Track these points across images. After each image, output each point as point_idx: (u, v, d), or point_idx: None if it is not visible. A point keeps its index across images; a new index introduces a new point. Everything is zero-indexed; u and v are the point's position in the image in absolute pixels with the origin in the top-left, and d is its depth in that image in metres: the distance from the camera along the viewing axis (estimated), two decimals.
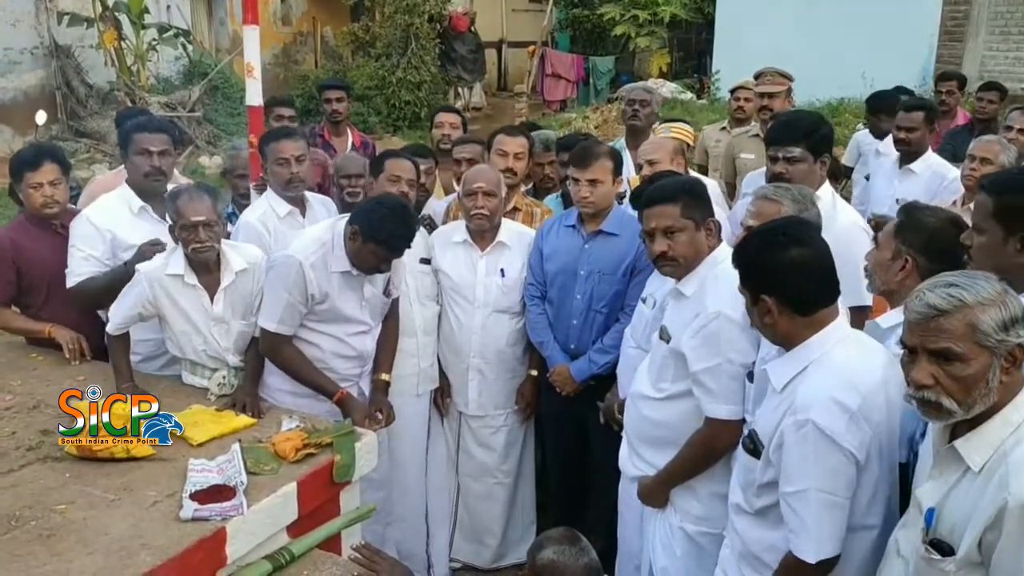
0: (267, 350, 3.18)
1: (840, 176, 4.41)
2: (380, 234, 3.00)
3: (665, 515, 2.87)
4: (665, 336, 2.77)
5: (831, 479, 2.05)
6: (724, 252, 2.62)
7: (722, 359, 2.58)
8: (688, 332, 2.65)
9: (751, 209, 2.78)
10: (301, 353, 3.20)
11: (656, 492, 2.86)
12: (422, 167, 3.91)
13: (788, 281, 2.14)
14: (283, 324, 3.13)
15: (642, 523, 3.03)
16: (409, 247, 3.11)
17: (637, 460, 2.94)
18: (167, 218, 3.13)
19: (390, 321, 3.46)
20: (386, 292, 3.34)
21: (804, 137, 3.12)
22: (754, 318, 2.25)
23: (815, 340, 2.16)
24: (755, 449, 2.24)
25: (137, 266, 3.15)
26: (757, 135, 4.93)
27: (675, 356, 2.72)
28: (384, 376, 3.41)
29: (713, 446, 2.69)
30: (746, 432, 2.33)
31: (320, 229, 3.27)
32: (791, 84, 5.11)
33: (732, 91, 5.84)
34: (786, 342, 2.21)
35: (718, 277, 2.63)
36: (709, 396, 2.63)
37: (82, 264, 3.41)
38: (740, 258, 2.24)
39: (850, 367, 2.12)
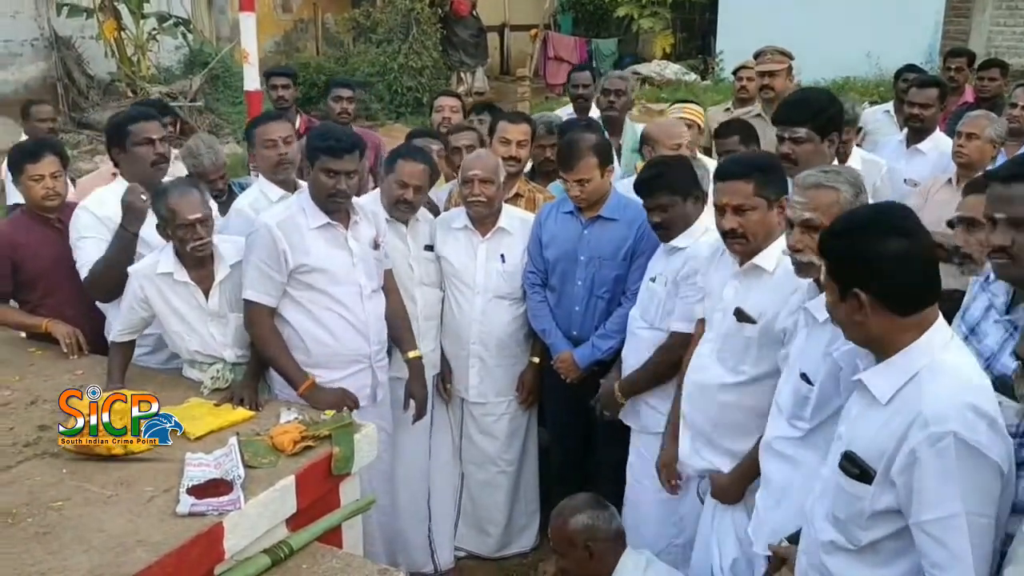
0: (248, 323, 3.12)
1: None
2: (317, 143, 3.05)
3: (736, 508, 2.79)
4: (746, 318, 2.66)
5: (981, 498, 1.78)
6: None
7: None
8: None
9: (801, 200, 2.38)
10: (278, 333, 3.13)
11: (736, 487, 2.76)
12: (435, 148, 3.98)
13: (891, 276, 1.85)
14: (256, 291, 3.07)
15: (703, 516, 2.97)
16: (349, 148, 3.07)
17: (708, 452, 2.82)
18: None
19: (392, 296, 3.42)
20: (374, 245, 3.28)
21: (810, 117, 3.06)
22: (838, 314, 1.96)
23: (921, 343, 1.88)
24: (863, 473, 1.92)
25: (129, 268, 3.12)
26: (759, 115, 4.88)
27: (765, 336, 2.62)
28: (412, 353, 3.43)
29: None
30: (840, 454, 1.99)
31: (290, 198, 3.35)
32: (791, 62, 5.04)
33: (735, 71, 5.79)
34: (876, 345, 1.93)
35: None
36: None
37: (97, 253, 3.31)
38: (831, 246, 1.95)
39: (970, 370, 1.88)
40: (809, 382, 2.34)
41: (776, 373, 2.60)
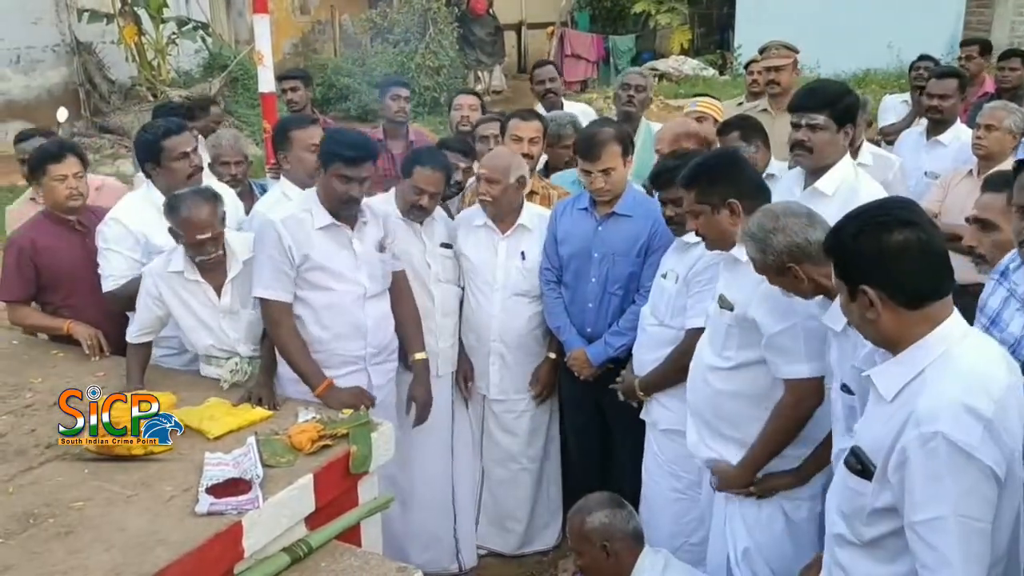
0: (268, 323, 3.14)
1: None
2: (335, 149, 3.06)
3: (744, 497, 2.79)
4: (726, 305, 2.70)
5: (970, 501, 1.72)
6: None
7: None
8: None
9: None
10: (298, 334, 3.15)
11: (744, 477, 2.74)
12: (462, 166, 3.94)
13: (895, 269, 1.81)
14: (271, 289, 3.09)
15: (715, 506, 2.96)
16: (366, 156, 3.10)
17: (712, 441, 2.81)
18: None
19: (404, 300, 3.43)
20: (380, 248, 3.29)
21: (828, 104, 3.02)
22: (852, 315, 1.93)
23: (931, 339, 1.83)
24: (864, 469, 1.90)
25: (143, 269, 3.16)
26: (766, 110, 4.83)
27: (740, 324, 2.66)
28: (418, 355, 3.43)
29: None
30: (848, 450, 1.99)
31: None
32: (797, 56, 4.99)
33: (746, 65, 5.77)
34: (891, 342, 1.88)
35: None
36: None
37: (122, 266, 3.35)
38: (835, 244, 1.91)
39: (977, 368, 1.81)
40: (850, 392, 2.33)
41: (760, 362, 2.64)
